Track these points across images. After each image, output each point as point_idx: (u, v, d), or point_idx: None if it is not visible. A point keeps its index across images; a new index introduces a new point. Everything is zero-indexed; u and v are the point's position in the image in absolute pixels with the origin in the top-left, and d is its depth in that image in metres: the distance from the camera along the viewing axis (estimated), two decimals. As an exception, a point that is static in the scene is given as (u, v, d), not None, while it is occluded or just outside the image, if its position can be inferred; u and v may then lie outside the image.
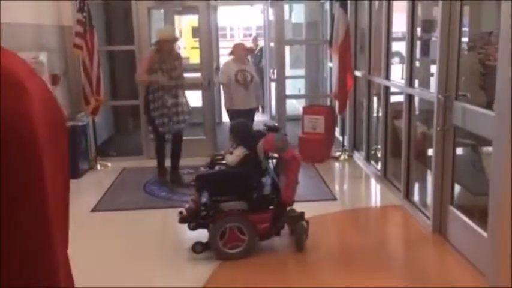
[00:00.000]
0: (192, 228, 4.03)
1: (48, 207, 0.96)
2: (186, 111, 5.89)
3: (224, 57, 7.75)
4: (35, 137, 0.92)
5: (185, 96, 6.01)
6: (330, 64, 7.69)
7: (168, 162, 6.14)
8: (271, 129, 4.20)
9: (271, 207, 4.03)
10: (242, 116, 6.17)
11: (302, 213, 4.12)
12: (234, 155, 4.05)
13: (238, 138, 4.12)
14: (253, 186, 4.05)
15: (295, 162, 3.96)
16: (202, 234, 4.02)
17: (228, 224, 3.90)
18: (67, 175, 1.02)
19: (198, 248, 3.95)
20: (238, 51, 6.46)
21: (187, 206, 4.05)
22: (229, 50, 6.61)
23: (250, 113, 6.36)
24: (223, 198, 3.97)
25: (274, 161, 4.19)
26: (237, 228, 3.90)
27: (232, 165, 4.07)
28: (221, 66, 6.91)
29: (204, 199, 4.11)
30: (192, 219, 4.02)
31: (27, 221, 0.92)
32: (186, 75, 6.30)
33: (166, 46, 5.79)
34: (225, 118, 8.94)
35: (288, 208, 4.10)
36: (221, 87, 7.07)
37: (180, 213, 4.03)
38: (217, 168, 4.34)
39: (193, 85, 7.10)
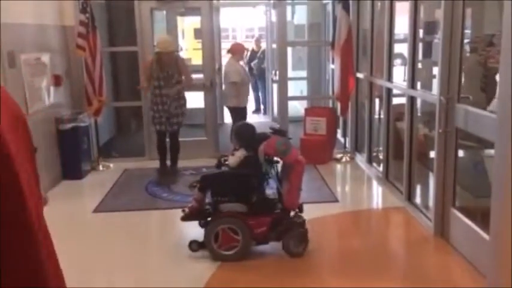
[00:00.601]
0: (202, 226, 4.06)
1: (28, 213, 0.98)
2: (181, 113, 6.19)
3: (226, 58, 7.81)
4: (10, 158, 0.94)
5: (184, 99, 6.27)
6: (332, 66, 7.69)
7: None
8: (277, 132, 4.14)
9: (277, 211, 4.00)
10: (242, 113, 6.77)
11: (303, 221, 4.03)
12: (235, 156, 4.04)
13: (241, 140, 4.09)
14: (252, 188, 4.00)
15: (299, 166, 3.91)
16: (200, 233, 4.03)
17: (220, 226, 3.91)
18: (37, 176, 1.05)
19: (194, 246, 4.02)
20: (239, 50, 6.95)
21: (190, 205, 4.09)
22: (228, 49, 7.01)
23: (245, 110, 7.05)
24: (223, 199, 3.97)
25: (280, 165, 4.13)
26: (230, 229, 3.90)
27: (232, 166, 4.06)
28: (227, 66, 7.03)
29: (208, 199, 4.13)
30: (194, 218, 4.06)
31: (9, 229, 0.94)
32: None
33: (166, 57, 6.01)
34: (227, 119, 8.96)
35: (293, 213, 4.04)
36: (223, 87, 7.21)
37: (183, 211, 4.09)
38: (223, 169, 4.33)
39: (196, 86, 7.11)
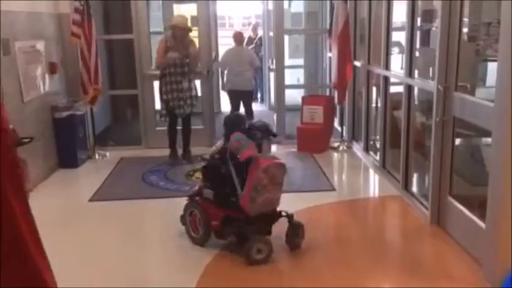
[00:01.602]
0: None
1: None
2: (195, 95, 6.27)
3: (223, 46, 7.84)
4: None
5: (194, 83, 6.32)
6: (329, 54, 7.66)
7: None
8: (258, 129, 3.86)
9: (233, 209, 3.80)
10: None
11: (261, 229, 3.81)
12: (214, 146, 4.05)
13: (226, 130, 3.94)
14: (221, 179, 3.82)
15: (253, 167, 3.60)
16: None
17: (188, 209, 4.07)
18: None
19: (182, 220, 4.17)
20: (243, 37, 7.79)
21: (198, 185, 4.19)
22: (237, 38, 7.58)
23: None
24: (206, 184, 4.01)
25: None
26: (193, 214, 4.01)
27: (210, 154, 4.03)
28: (248, 53, 7.73)
29: None
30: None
31: None
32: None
33: (179, 32, 6.00)
34: (224, 108, 8.93)
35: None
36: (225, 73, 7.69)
37: (190, 188, 4.24)
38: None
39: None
